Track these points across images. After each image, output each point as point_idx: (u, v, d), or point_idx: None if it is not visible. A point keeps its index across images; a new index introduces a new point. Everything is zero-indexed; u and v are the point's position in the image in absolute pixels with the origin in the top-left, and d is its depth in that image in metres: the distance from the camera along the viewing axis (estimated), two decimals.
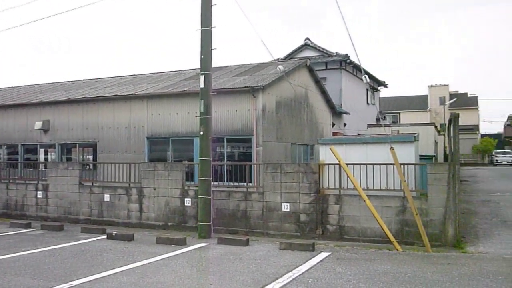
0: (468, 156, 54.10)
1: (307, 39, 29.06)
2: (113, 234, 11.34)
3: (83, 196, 14.55)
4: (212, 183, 11.73)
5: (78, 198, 14.62)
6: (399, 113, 60.27)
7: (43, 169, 16.48)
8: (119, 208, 13.89)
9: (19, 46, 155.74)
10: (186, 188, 13.02)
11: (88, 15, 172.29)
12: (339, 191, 11.30)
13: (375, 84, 34.15)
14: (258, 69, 18.49)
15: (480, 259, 8.58)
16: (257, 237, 11.46)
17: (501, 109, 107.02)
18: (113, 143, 17.31)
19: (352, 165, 11.06)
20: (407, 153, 11.26)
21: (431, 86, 61.85)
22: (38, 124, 18.64)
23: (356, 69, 28.55)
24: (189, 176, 14.57)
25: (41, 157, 19.17)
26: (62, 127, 18.51)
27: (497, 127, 70.63)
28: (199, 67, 11.54)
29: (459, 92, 62.41)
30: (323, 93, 21.53)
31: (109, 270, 7.97)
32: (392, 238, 9.98)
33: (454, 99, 49.66)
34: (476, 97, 62.95)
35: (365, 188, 10.82)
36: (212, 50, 11.46)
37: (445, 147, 26.45)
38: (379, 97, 37.86)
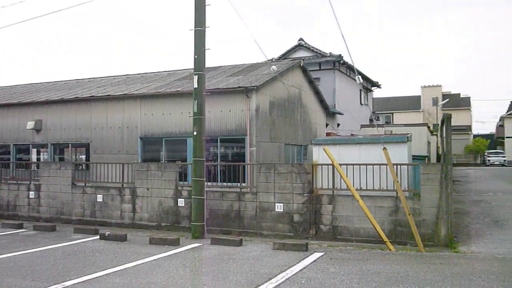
0: (461, 156, 54.44)
1: (301, 39, 29.10)
2: (106, 235, 11.29)
3: (75, 196, 14.47)
4: (206, 183, 11.71)
5: (70, 199, 14.54)
6: (392, 113, 60.51)
7: (36, 169, 16.38)
8: (112, 209, 13.83)
9: (19, 46, 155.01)
10: (179, 188, 12.99)
11: (88, 15, 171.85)
12: (333, 191, 11.33)
13: (369, 84, 34.26)
14: (252, 70, 18.49)
15: (472, 258, 8.63)
16: (251, 237, 11.46)
17: (493, 109, 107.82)
18: (106, 143, 17.24)
19: (345, 165, 11.09)
20: (400, 154, 11.31)
21: (424, 86, 62.20)
22: (30, 124, 18.53)
23: (350, 70, 28.63)
24: (183, 176, 14.54)
25: (34, 157, 19.06)
26: (54, 127, 18.42)
27: (490, 128, 71.25)
28: (193, 67, 11.53)
29: (452, 92, 62.80)
30: (317, 93, 21.57)
31: (102, 270, 7.93)
32: (385, 238, 10.02)
33: (447, 99, 49.96)
34: (469, 97, 63.40)
35: (358, 188, 10.86)
36: (206, 50, 11.44)
37: (437, 148, 26.59)
38: (372, 98, 37.99)
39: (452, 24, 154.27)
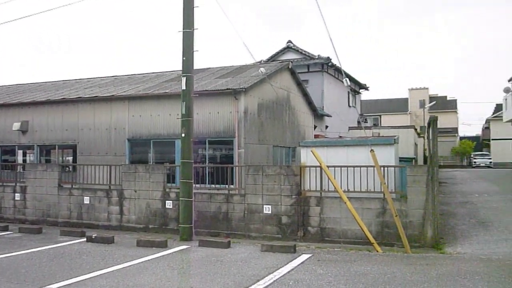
0: (447, 158, 54.93)
1: (290, 41, 29.19)
2: (93, 237, 11.21)
3: (62, 198, 14.34)
4: (194, 185, 11.69)
5: (57, 201, 14.41)
6: (380, 115, 60.87)
7: (21, 170, 16.19)
8: (99, 211, 13.73)
9: (19, 45, 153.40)
10: (167, 190, 12.95)
11: (88, 14, 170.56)
12: (320, 193, 11.38)
13: (357, 86, 34.46)
14: (240, 71, 18.51)
15: (457, 259, 8.72)
16: (239, 239, 11.46)
17: (479, 112, 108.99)
18: (93, 144, 17.12)
19: (333, 168, 11.15)
20: (387, 156, 11.39)
21: (412, 89, 62.66)
22: (16, 125, 18.32)
23: (338, 72, 28.77)
24: (171, 178, 14.50)
25: (19, 158, 18.86)
26: (41, 128, 18.24)
27: (476, 130, 72.07)
28: (181, 68, 11.51)
29: (439, 95, 63.33)
30: (305, 95, 21.65)
31: (89, 273, 7.87)
32: (372, 240, 10.09)
33: (434, 102, 50.39)
34: (455, 100, 64.00)
35: (346, 190, 10.92)
36: (194, 52, 11.43)
37: (424, 150, 26.81)
38: (360, 100, 38.20)
39: (452, 24, 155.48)
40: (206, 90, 15.15)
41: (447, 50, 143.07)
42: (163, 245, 10.34)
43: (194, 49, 11.39)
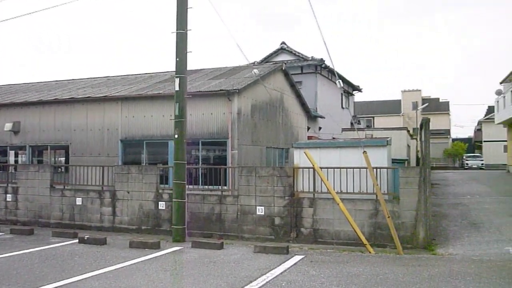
0: (440, 160, 55.22)
1: (283, 43, 29.23)
2: (85, 238, 11.15)
3: (54, 199, 14.27)
4: (187, 186, 11.67)
5: (49, 202, 14.33)
6: (374, 117, 61.10)
7: (13, 171, 16.09)
8: (92, 212, 13.67)
9: (19, 45, 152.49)
10: (160, 191, 12.92)
11: (88, 14, 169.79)
12: (313, 194, 11.40)
13: (350, 88, 34.58)
14: (234, 73, 18.51)
15: (449, 260, 8.77)
16: (232, 240, 11.46)
17: (471, 114, 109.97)
18: (86, 145, 17.05)
19: (326, 169, 11.18)
20: (379, 157, 11.44)
21: (404, 91, 62.94)
22: (8, 126, 18.20)
23: (331, 74, 28.85)
24: (164, 179, 14.47)
25: (11, 159, 18.73)
26: (33, 129, 18.13)
27: (468, 132, 72.52)
28: (175, 69, 11.50)
29: (432, 97, 63.69)
30: (299, 97, 21.69)
31: (81, 274, 7.83)
32: (364, 241, 10.13)
33: (426, 104, 50.72)
34: (448, 102, 64.37)
35: (339, 191, 10.95)
36: (188, 53, 11.42)
37: (417, 151, 26.95)
38: (354, 101, 38.32)
39: (452, 24, 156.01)
40: (199, 91, 15.14)
41: (443, 52, 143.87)
42: (156, 247, 10.32)
43: (188, 50, 11.39)
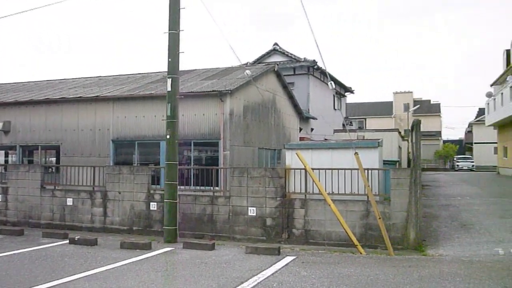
0: (431, 161, 55.59)
1: (276, 44, 29.28)
2: (76, 239, 11.08)
3: (45, 200, 14.17)
4: (179, 187, 11.64)
5: (39, 202, 14.23)
6: (365, 118, 61.38)
7: (3, 171, 15.96)
8: (83, 212, 13.60)
9: (19, 45, 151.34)
10: (152, 192, 12.88)
11: (88, 14, 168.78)
12: (305, 195, 11.43)
13: (342, 90, 34.71)
14: (226, 73, 18.51)
15: (439, 261, 8.83)
16: (223, 241, 11.45)
17: (462, 116, 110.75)
18: (77, 145, 16.95)
19: (318, 170, 11.22)
20: (371, 159, 11.50)
21: (396, 92, 63.32)
22: None
23: (324, 75, 28.94)
24: (156, 180, 14.42)
25: (1, 159, 18.59)
26: (23, 129, 18.00)
27: (459, 134, 73.00)
28: (167, 70, 11.47)
29: (423, 99, 64.10)
30: (291, 98, 21.73)
31: (71, 276, 7.78)
32: (356, 242, 10.16)
33: (418, 106, 50.98)
34: (439, 104, 64.79)
35: (330, 192, 10.99)
36: (180, 54, 11.41)
37: (408, 153, 27.09)
38: (346, 103, 38.48)
39: (452, 24, 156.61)
40: (191, 92, 15.12)
41: (443, 52, 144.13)
42: (147, 247, 10.28)
43: (180, 51, 11.37)
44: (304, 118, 24.71)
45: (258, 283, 7.22)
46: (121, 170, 13.23)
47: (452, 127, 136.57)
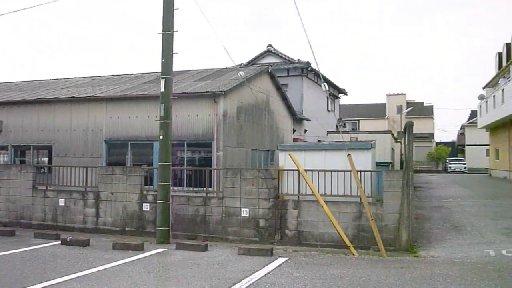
0: (423, 163, 55.85)
1: (270, 45, 29.30)
2: (68, 240, 11.03)
3: (37, 200, 14.08)
4: (172, 187, 11.63)
5: (31, 202, 14.14)
6: (359, 120, 61.60)
7: None
8: (75, 213, 13.53)
9: (19, 45, 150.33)
10: (144, 192, 12.85)
11: (88, 14, 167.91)
12: (298, 196, 11.44)
13: (336, 91, 34.80)
14: (220, 74, 18.51)
15: (431, 263, 8.88)
16: (216, 242, 11.44)
17: (455, 118, 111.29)
18: (69, 146, 16.87)
19: (311, 171, 11.23)
20: (364, 160, 11.54)
21: (389, 94, 63.55)
22: None
23: (317, 77, 29.01)
24: (149, 180, 14.37)
25: None
26: (15, 129, 17.87)
27: (451, 136, 73.31)
28: (160, 70, 11.46)
29: (416, 101, 64.38)
30: (284, 99, 21.76)
31: (62, 276, 7.75)
32: (348, 243, 10.19)
33: (411, 107, 51.20)
34: (432, 106, 65.08)
35: (323, 194, 11.01)
36: (174, 54, 11.40)
37: (401, 154, 27.20)
38: (339, 104, 38.60)
39: (452, 24, 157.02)
40: (185, 93, 15.11)
41: (447, 50, 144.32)
42: (140, 248, 10.25)
43: (174, 51, 11.37)
44: (297, 119, 24.76)
45: (251, 284, 7.23)
46: (113, 170, 13.18)
47: (445, 129, 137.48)
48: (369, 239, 10.56)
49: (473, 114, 48.02)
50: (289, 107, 22.37)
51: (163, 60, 11.32)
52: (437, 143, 62.67)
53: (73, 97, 17.05)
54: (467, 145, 52.56)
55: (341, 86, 35.28)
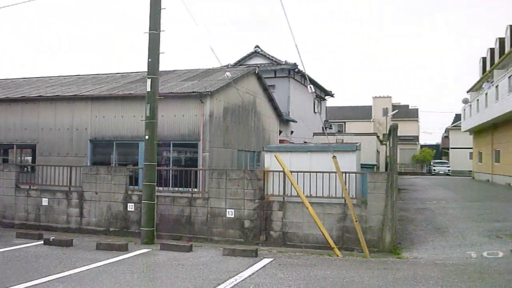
0: (408, 165, 56.45)
1: (257, 46, 29.34)
2: (51, 240, 10.91)
3: (19, 199, 13.91)
4: (157, 188, 11.58)
5: (14, 202, 13.96)
6: (345, 122, 61.97)
7: None
8: (58, 213, 13.39)
9: (19, 45, 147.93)
10: (129, 192, 12.77)
11: (88, 14, 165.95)
12: (283, 198, 11.48)
13: (322, 93, 34.98)
14: (207, 75, 18.48)
15: (414, 264, 8.98)
16: (201, 243, 11.42)
17: (440, 121, 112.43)
18: (53, 145, 16.69)
19: (296, 173, 11.27)
20: (349, 162, 11.61)
21: (375, 97, 64.05)
22: None
23: (304, 78, 29.12)
24: (134, 180, 14.29)
25: None
26: None
27: (436, 139, 74.19)
28: (147, 70, 11.41)
29: (401, 104, 65.01)
30: (271, 100, 21.81)
31: (45, 277, 7.67)
32: (332, 244, 10.25)
33: (396, 110, 51.72)
34: (417, 109, 65.80)
35: (308, 195, 11.06)
36: (160, 54, 11.36)
37: (386, 157, 27.44)
38: (326, 106, 38.78)
39: (452, 24, 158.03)
40: (171, 93, 15.06)
41: (447, 50, 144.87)
42: (124, 249, 10.19)
43: (160, 51, 11.33)
44: (284, 120, 24.83)
45: (235, 285, 7.24)
46: (98, 170, 13.08)
47: (430, 132, 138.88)
48: (353, 241, 10.64)
49: (458, 117, 48.63)
50: (275, 108, 22.43)
51: (149, 60, 11.27)
52: (422, 146, 63.34)
53: (57, 95, 16.88)
54: (451, 148, 53.20)
55: (328, 88, 35.49)
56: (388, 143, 11.37)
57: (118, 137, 15.88)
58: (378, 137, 28.27)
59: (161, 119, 13.89)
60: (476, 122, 31.32)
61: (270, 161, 12.17)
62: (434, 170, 50.97)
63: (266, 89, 20.96)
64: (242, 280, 7.52)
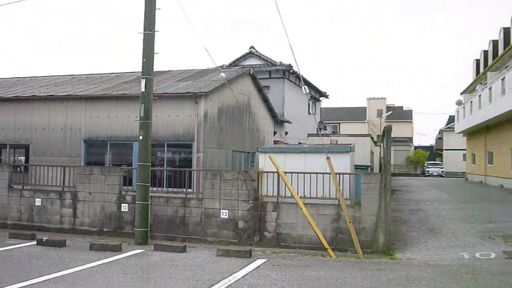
0: (402, 166, 56.66)
1: (252, 47, 29.37)
2: (44, 240, 10.86)
3: (12, 199, 13.84)
4: (151, 188, 11.56)
5: (6, 202, 13.88)
6: (340, 123, 62.11)
7: None
8: (51, 213, 13.34)
9: (19, 45, 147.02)
10: (123, 193, 12.74)
11: (88, 14, 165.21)
12: (277, 198, 11.49)
13: (317, 94, 35.05)
14: (201, 75, 18.48)
15: (407, 265, 9.02)
16: (195, 243, 11.41)
17: (433, 122, 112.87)
18: (47, 145, 16.63)
19: (290, 174, 11.29)
20: (343, 163, 11.64)
21: (370, 98, 64.27)
22: None
23: (299, 79, 29.17)
24: (128, 181, 14.26)
25: None
26: None
27: (430, 140, 74.58)
28: (141, 70, 11.39)
29: (396, 105, 65.25)
30: (266, 101, 21.83)
31: (37, 277, 7.64)
32: (326, 245, 10.27)
33: (390, 112, 51.93)
34: (411, 110, 66.07)
35: (302, 196, 11.08)
36: (155, 54, 11.35)
37: (381, 158, 27.54)
38: (321, 107, 38.86)
39: (452, 24, 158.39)
40: (166, 93, 15.04)
41: (447, 50, 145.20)
42: (117, 249, 10.16)
43: (155, 51, 11.32)
44: (278, 121, 24.86)
45: (229, 285, 7.24)
46: (92, 170, 13.04)
47: (424, 133, 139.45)
48: (347, 241, 10.67)
49: (451, 119, 48.88)
50: (270, 109, 22.45)
51: (144, 60, 11.26)
52: (416, 147, 63.61)
53: (51, 95, 16.82)
54: (445, 149, 53.43)
55: (328, 88, 35.66)
56: (382, 144, 11.41)
57: (112, 137, 15.84)
58: (372, 138, 28.35)
59: (156, 119, 13.87)
60: (469, 123, 31.51)
61: (264, 162, 12.18)
62: (428, 171, 51.19)
63: (260, 90, 20.98)
64: (236, 281, 7.52)
